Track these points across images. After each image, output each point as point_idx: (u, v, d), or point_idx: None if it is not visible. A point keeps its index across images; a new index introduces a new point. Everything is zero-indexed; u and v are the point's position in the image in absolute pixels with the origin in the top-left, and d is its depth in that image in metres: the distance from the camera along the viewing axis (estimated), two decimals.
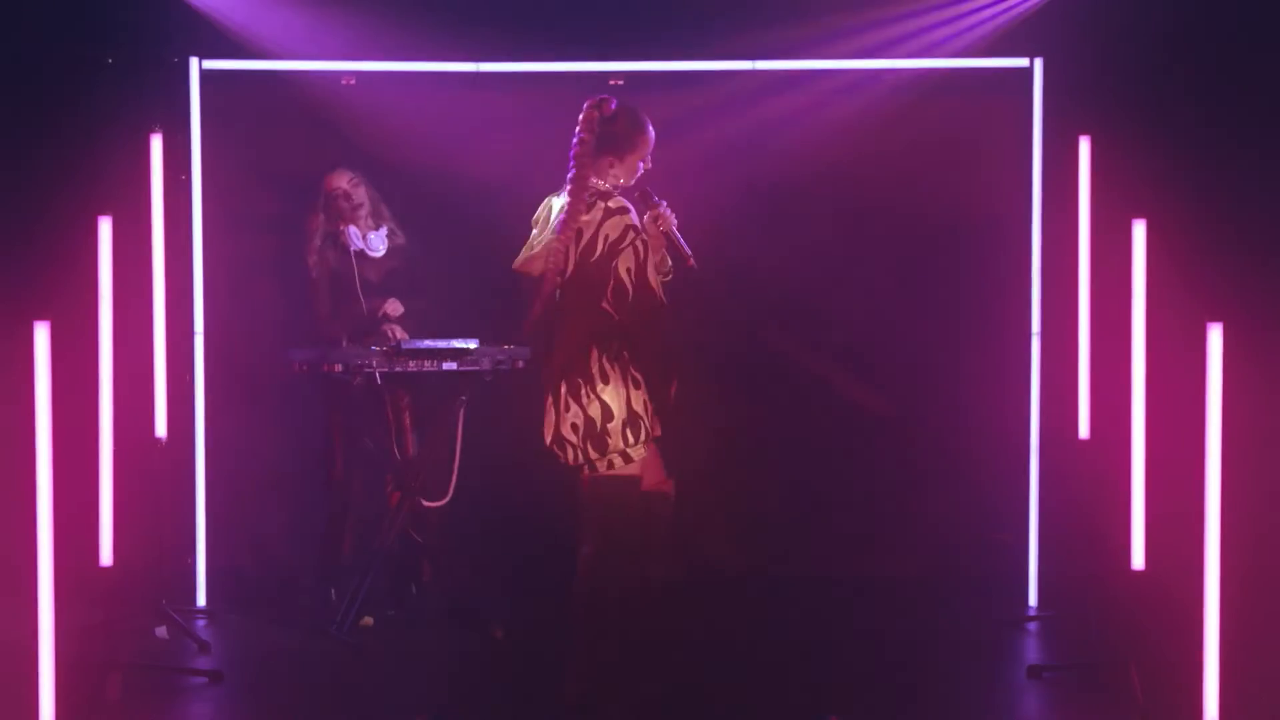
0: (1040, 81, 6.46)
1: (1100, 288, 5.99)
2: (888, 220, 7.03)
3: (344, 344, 6.04)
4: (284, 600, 6.55)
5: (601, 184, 4.80)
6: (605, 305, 4.72)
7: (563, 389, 4.75)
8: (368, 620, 6.19)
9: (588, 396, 4.72)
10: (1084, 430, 6.05)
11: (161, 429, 6.11)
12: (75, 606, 5.06)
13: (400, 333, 6.36)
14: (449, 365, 6.09)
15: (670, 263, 4.86)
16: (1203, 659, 4.53)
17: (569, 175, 4.80)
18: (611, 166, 4.83)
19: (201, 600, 6.50)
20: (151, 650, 5.82)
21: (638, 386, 4.76)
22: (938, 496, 7.08)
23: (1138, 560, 5.24)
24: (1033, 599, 6.53)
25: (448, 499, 6.22)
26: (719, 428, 6.87)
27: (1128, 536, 5.29)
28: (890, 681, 5.54)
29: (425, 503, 6.22)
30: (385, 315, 6.38)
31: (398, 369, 6.04)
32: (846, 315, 7.05)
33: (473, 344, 6.11)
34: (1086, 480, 6.11)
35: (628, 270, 4.71)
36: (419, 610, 6.39)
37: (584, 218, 4.73)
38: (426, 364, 6.07)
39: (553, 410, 4.78)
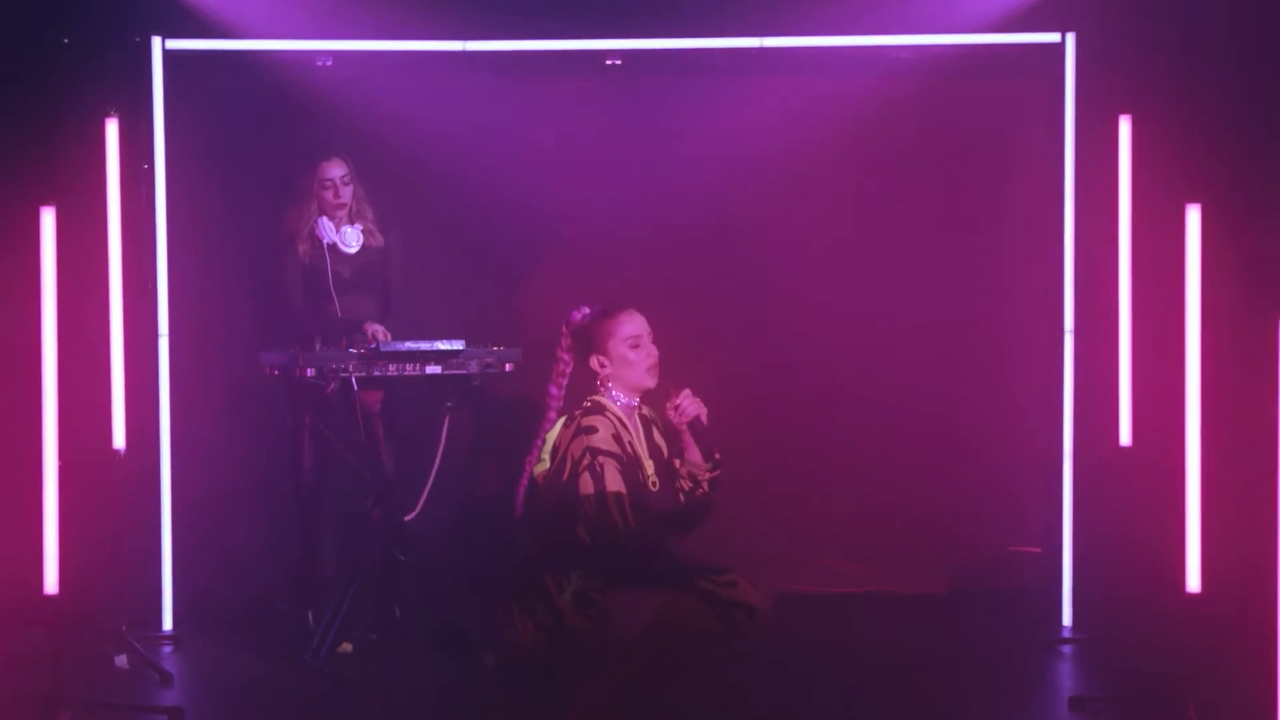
0: (1073, 57, 6.25)
1: (1142, 280, 5.79)
2: (907, 209, 6.85)
3: (317, 346, 5.67)
4: (256, 624, 6.29)
5: (597, 398, 4.73)
6: (580, 530, 4.60)
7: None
8: (346, 646, 5.90)
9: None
10: (1125, 437, 5.85)
11: (120, 439, 5.83)
12: (21, 635, 4.69)
13: (382, 333, 6.02)
14: (433, 369, 5.79)
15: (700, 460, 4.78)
16: (1276, 694, 4.18)
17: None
18: (603, 367, 4.77)
19: (168, 625, 6.20)
20: (107, 683, 5.48)
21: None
22: (962, 506, 6.84)
23: (1193, 582, 4.92)
24: (1067, 618, 6.26)
25: (415, 513, 5.96)
26: (731, 435, 6.50)
27: (1178, 555, 4.99)
28: (915, 709, 5.23)
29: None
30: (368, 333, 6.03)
31: (375, 373, 5.73)
32: (864, 311, 6.82)
33: (459, 345, 5.81)
34: (1128, 491, 5.91)
35: (586, 496, 4.61)
36: (403, 635, 6.12)
37: (561, 433, 4.72)
38: (408, 368, 5.77)
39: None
